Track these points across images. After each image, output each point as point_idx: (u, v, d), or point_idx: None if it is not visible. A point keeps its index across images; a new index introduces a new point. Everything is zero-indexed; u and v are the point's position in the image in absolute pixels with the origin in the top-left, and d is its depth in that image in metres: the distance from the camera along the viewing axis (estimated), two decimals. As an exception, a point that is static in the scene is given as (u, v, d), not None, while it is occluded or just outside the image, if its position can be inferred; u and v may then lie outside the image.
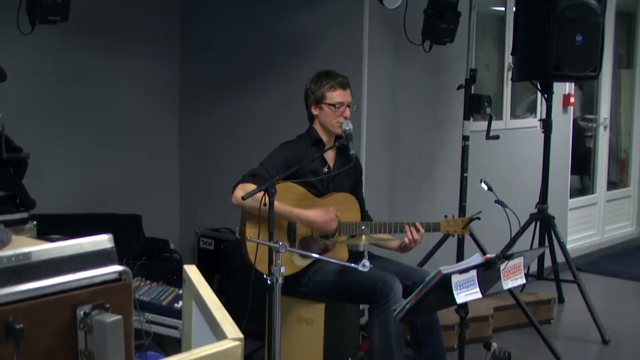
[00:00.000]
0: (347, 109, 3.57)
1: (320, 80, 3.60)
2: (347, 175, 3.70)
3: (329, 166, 3.65)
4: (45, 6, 3.42)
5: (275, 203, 3.12)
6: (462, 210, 4.45)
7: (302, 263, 3.50)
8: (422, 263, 4.56)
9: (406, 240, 3.52)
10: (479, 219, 3.51)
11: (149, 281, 3.69)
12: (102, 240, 1.93)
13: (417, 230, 3.51)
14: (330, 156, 3.67)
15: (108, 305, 1.83)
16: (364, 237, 3.24)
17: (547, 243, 4.93)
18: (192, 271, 1.99)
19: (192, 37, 5.38)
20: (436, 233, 3.70)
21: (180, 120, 5.51)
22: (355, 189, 3.77)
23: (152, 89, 5.34)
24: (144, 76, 5.26)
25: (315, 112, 3.63)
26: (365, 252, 3.11)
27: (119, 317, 1.80)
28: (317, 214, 3.44)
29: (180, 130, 5.51)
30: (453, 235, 3.87)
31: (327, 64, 4.23)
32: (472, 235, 4.27)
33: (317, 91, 3.60)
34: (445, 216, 3.63)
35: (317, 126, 3.65)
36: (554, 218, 4.91)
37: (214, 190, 5.24)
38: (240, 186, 3.40)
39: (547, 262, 5.13)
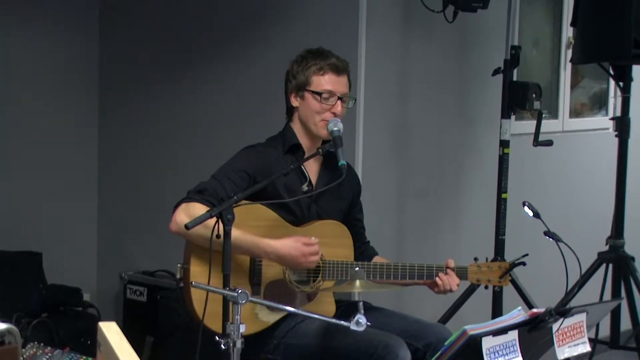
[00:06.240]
0: (339, 102, 3.59)
1: (307, 60, 3.62)
2: (337, 195, 3.70)
3: (310, 182, 3.66)
4: None
5: (233, 231, 3.12)
6: (499, 245, 4.46)
7: (270, 318, 3.49)
8: (444, 318, 4.55)
9: (437, 288, 3.59)
10: (524, 264, 3.50)
11: (50, 348, 3.66)
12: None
13: (446, 274, 3.57)
14: (312, 169, 3.68)
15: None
16: (358, 282, 3.24)
17: (623, 294, 4.93)
18: (110, 331, 1.99)
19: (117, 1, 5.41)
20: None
21: (100, 117, 5.51)
22: (351, 215, 3.78)
23: (60, 75, 5.34)
24: (50, 58, 5.28)
25: (295, 102, 3.64)
26: (361, 305, 3.11)
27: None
28: (290, 244, 3.44)
29: (100, 132, 5.52)
30: (486, 287, 3.88)
31: (306, 38, 4.23)
32: (513, 282, 4.27)
33: (301, 74, 3.60)
34: (476, 259, 3.64)
35: (295, 125, 3.66)
36: (633, 259, 4.92)
37: (147, 218, 5.24)
38: (183, 207, 3.39)
39: (625, 323, 5.12)
